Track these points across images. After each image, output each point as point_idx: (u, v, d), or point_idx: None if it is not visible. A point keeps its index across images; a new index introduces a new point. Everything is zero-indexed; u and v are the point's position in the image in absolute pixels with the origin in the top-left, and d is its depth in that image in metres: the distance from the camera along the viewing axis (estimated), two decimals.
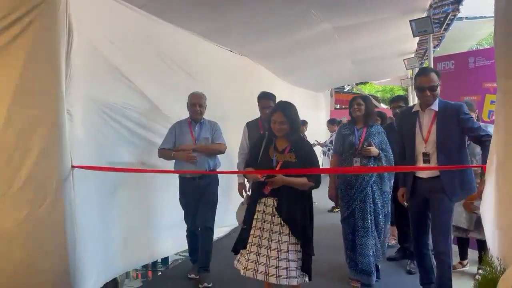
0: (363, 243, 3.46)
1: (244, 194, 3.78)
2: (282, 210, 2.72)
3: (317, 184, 2.80)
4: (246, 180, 3.83)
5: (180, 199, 3.80)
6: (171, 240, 4.11)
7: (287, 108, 2.82)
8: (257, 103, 3.98)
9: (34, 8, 2.61)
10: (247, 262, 2.72)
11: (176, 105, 3.99)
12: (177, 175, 3.75)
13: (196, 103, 3.69)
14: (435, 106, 2.93)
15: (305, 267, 2.74)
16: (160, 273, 4.20)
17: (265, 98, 3.87)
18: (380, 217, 3.53)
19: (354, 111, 3.60)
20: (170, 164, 3.70)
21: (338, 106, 17.55)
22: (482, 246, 3.47)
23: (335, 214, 6.56)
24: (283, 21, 4.68)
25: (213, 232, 3.77)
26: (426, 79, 2.89)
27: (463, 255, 3.92)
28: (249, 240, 2.78)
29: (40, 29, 2.63)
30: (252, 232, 2.79)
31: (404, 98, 4.84)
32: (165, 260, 4.23)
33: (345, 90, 18.94)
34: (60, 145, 2.72)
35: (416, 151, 3.00)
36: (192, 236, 3.86)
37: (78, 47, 2.88)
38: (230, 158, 4.30)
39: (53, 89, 2.69)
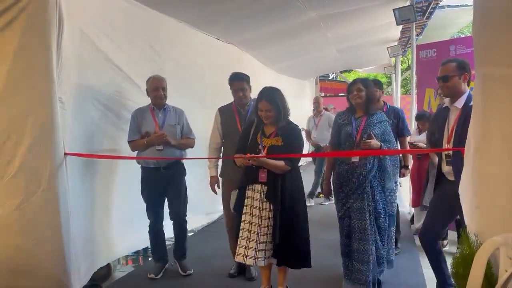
0: (360, 248, 2.99)
1: (217, 189, 3.60)
2: (270, 197, 2.81)
3: (292, 166, 2.85)
4: (219, 174, 3.61)
5: (142, 191, 3.54)
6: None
7: (271, 95, 2.85)
8: (235, 91, 3.47)
9: None
10: (238, 248, 2.84)
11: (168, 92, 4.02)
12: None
13: (159, 86, 3.41)
14: (459, 103, 2.72)
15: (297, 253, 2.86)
16: (150, 258, 4.27)
17: (237, 79, 3.40)
18: (382, 217, 3.03)
19: (354, 97, 3.07)
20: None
21: (323, 94, 17.70)
22: (459, 226, 3.63)
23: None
24: (269, 10, 4.72)
25: (187, 222, 3.70)
26: (442, 68, 2.77)
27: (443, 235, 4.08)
28: (241, 226, 2.89)
29: (31, 18, 2.64)
30: (243, 218, 2.89)
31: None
32: (145, 250, 4.29)
33: (329, 78, 19.06)
34: (53, 132, 2.76)
35: None
36: (155, 232, 3.59)
37: (69, 35, 2.90)
38: None
39: (44, 77, 2.71)
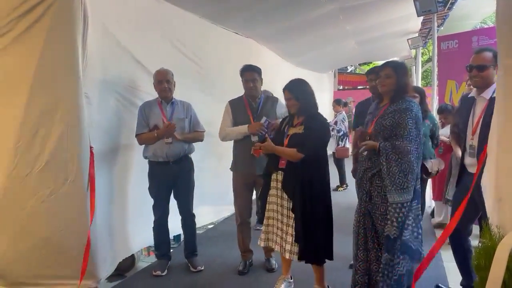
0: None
1: (228, 183, 3.62)
2: (285, 186, 2.85)
3: (306, 154, 2.75)
4: (230, 168, 3.60)
5: (150, 186, 3.53)
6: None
7: (293, 85, 2.93)
8: (246, 81, 3.45)
9: None
10: (261, 234, 2.99)
11: (186, 86, 4.08)
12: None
13: (163, 79, 3.39)
14: (487, 94, 2.58)
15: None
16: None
17: (249, 70, 3.42)
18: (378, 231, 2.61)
19: (380, 84, 2.62)
20: None
21: (341, 87, 17.53)
22: (481, 219, 3.58)
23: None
24: (288, 3, 4.72)
25: (195, 217, 3.70)
26: (476, 57, 2.64)
27: None
28: (265, 215, 2.99)
29: (57, 15, 2.73)
30: (267, 207, 2.99)
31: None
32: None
33: (348, 71, 18.86)
34: (80, 126, 2.85)
35: (466, 141, 2.75)
36: (160, 228, 3.56)
37: (93, 31, 2.98)
38: None
39: (71, 73, 2.81)
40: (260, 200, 3.08)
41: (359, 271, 2.68)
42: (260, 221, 4.08)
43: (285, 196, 2.88)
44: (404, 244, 2.46)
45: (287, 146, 2.85)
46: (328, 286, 3.03)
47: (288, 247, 2.82)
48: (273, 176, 2.96)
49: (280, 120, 3.22)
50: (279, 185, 2.90)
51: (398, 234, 2.45)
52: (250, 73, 3.42)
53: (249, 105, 3.47)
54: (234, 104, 3.54)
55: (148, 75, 3.71)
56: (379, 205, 2.56)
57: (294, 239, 2.78)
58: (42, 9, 2.71)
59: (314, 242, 2.77)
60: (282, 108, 3.48)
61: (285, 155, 2.84)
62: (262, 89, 3.77)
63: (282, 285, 3.05)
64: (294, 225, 2.79)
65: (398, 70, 2.60)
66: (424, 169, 3.41)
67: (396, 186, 2.45)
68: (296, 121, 2.96)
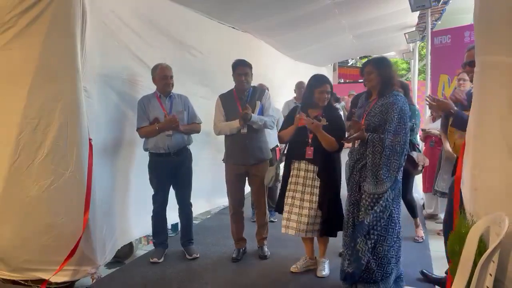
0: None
1: (221, 174, 3.77)
2: (321, 175, 3.08)
3: (339, 149, 3.14)
4: (222, 159, 3.74)
5: (151, 177, 3.63)
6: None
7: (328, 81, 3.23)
8: (239, 75, 3.52)
9: None
10: (282, 220, 3.19)
11: (184, 80, 4.18)
12: None
13: (168, 75, 3.53)
14: None
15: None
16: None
17: (242, 64, 3.53)
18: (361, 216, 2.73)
19: (365, 80, 2.85)
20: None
21: (342, 81, 17.58)
22: None
23: None
24: None
25: (192, 206, 3.83)
26: (468, 54, 2.73)
27: None
28: (285, 201, 3.19)
29: (57, 11, 2.83)
30: (287, 193, 3.20)
31: None
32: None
33: (349, 64, 18.90)
34: (79, 119, 2.97)
35: None
36: (159, 217, 3.68)
37: (92, 27, 3.09)
38: None
39: (70, 67, 2.92)
40: (280, 187, 3.33)
41: (346, 257, 2.81)
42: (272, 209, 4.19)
43: (309, 183, 3.12)
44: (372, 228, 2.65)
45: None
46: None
47: (303, 227, 3.06)
48: (295, 165, 3.19)
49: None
50: (302, 173, 3.14)
51: (371, 221, 2.63)
52: (243, 68, 3.53)
53: (238, 98, 3.59)
54: (224, 98, 3.67)
55: (146, 70, 3.80)
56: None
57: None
58: (42, 6, 2.81)
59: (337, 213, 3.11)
60: (267, 99, 3.68)
61: (326, 141, 3.03)
62: (259, 83, 3.87)
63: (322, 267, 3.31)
64: (318, 204, 3.08)
65: (378, 65, 2.78)
66: (410, 161, 3.52)
67: (375, 178, 2.63)
68: (313, 114, 3.16)
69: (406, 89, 3.81)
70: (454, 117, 2.67)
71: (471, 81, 2.84)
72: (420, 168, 3.74)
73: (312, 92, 3.15)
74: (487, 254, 1.53)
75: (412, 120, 3.71)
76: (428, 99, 2.81)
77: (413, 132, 3.75)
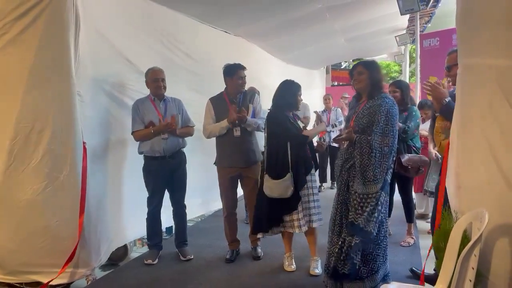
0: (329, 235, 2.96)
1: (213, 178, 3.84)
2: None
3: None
4: (214, 163, 3.78)
5: (147, 180, 3.66)
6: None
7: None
8: (239, 79, 3.58)
9: None
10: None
11: (176, 84, 4.22)
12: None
13: (159, 77, 3.55)
14: None
15: None
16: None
17: (242, 68, 3.58)
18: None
19: (355, 82, 2.86)
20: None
21: (335, 83, 17.68)
22: None
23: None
24: (276, 2, 4.88)
25: (186, 208, 3.87)
26: (448, 58, 2.83)
27: None
28: None
29: (50, 17, 2.88)
30: None
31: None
32: (169, 229, 4.54)
33: (342, 67, 19.02)
34: (73, 123, 3.02)
35: None
36: (153, 219, 3.72)
37: (85, 32, 3.14)
38: None
39: (64, 72, 2.97)
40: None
41: (332, 254, 2.86)
42: None
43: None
44: (360, 228, 2.67)
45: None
46: None
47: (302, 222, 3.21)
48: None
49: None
50: None
51: (361, 221, 2.65)
52: (242, 71, 3.60)
53: (230, 101, 3.61)
54: (215, 101, 3.68)
55: (139, 74, 3.85)
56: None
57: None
58: (36, 12, 2.85)
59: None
60: (258, 102, 3.72)
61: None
62: (249, 86, 3.91)
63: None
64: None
65: (369, 66, 2.82)
66: (399, 163, 3.59)
67: (364, 179, 2.68)
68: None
69: (404, 88, 3.87)
70: (444, 106, 2.69)
71: (453, 84, 2.93)
72: (417, 170, 3.81)
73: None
74: (468, 247, 1.60)
75: (407, 122, 3.78)
76: (425, 84, 2.83)
77: (407, 134, 3.79)
